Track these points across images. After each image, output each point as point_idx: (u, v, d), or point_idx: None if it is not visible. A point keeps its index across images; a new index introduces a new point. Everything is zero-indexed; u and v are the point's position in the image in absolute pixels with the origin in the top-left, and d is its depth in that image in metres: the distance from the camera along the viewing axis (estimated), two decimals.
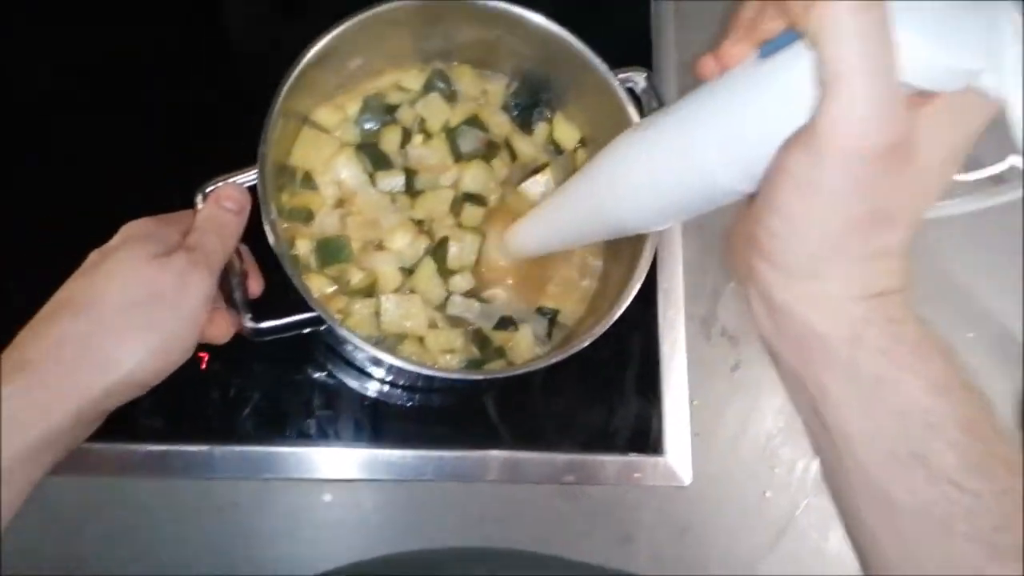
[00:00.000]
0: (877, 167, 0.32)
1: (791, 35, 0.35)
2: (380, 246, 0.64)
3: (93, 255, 0.48)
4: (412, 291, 0.64)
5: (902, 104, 0.31)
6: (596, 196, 0.50)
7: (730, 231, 0.40)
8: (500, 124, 0.69)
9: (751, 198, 0.39)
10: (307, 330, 0.56)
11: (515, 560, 0.50)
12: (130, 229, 0.49)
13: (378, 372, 0.69)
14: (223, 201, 0.52)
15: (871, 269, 0.35)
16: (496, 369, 0.64)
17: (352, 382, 0.70)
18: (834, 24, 0.30)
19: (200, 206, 0.55)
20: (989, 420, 0.35)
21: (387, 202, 0.65)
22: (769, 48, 0.36)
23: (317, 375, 0.70)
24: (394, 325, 0.62)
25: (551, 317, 0.67)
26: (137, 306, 0.44)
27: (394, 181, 0.65)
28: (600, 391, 0.76)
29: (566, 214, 0.56)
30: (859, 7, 0.30)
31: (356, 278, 0.63)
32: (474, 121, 0.67)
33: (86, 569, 0.63)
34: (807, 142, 0.32)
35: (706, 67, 0.40)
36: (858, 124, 0.31)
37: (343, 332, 0.54)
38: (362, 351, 0.57)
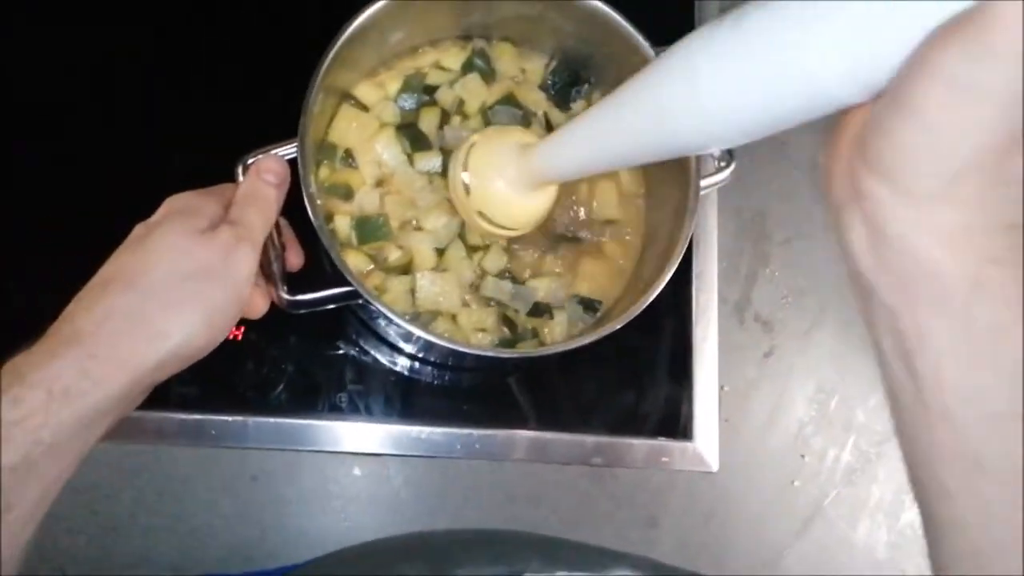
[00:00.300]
0: None
1: None
2: (417, 226, 0.64)
3: (138, 228, 0.48)
4: (445, 270, 0.64)
5: None
6: (657, 104, 0.43)
7: (829, 153, 0.35)
8: (537, 101, 0.69)
9: (856, 107, 0.34)
10: (343, 304, 0.57)
11: (524, 544, 0.50)
12: (173, 203, 0.49)
13: (410, 348, 0.69)
14: (263, 174, 0.52)
15: (1007, 196, 0.30)
16: (527, 349, 0.64)
17: (384, 358, 0.71)
18: None
19: (241, 179, 0.55)
20: None
21: (424, 182, 0.65)
22: None
23: (350, 350, 0.71)
24: (429, 302, 0.63)
25: (588, 303, 0.67)
26: (186, 279, 0.45)
27: (432, 162, 0.65)
28: (630, 374, 0.76)
29: (613, 129, 0.48)
30: None
31: (393, 255, 0.63)
32: (509, 99, 0.67)
33: (121, 532, 0.65)
34: (970, 35, 0.28)
35: None
36: None
37: (379, 306, 0.55)
38: (396, 326, 0.57)
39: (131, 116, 0.74)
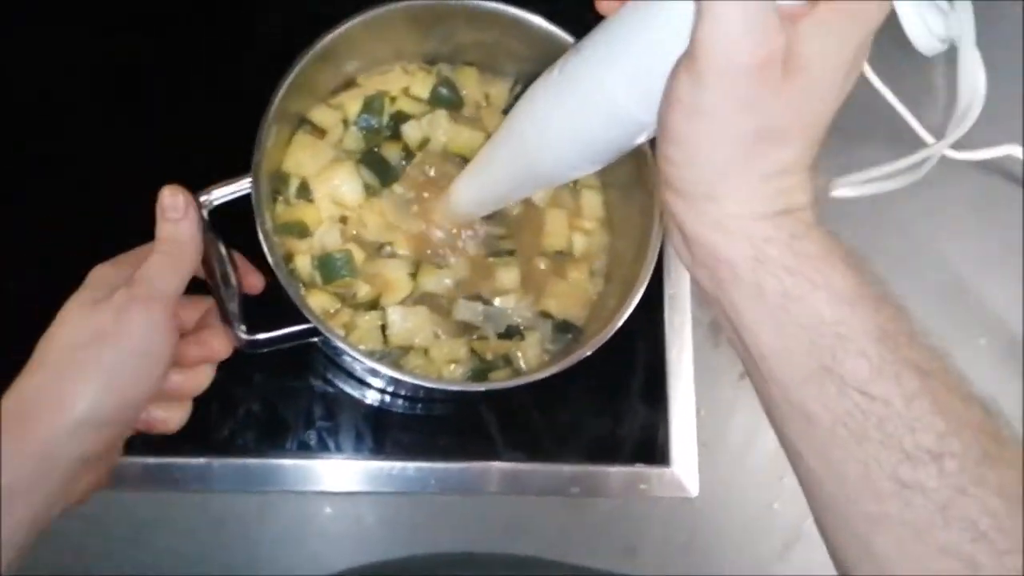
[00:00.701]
0: (757, 83, 0.32)
1: None
2: (392, 253, 0.64)
3: None
4: (418, 299, 0.63)
5: (774, 14, 0.32)
6: (519, 146, 0.50)
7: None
8: (499, 126, 0.69)
9: None
10: (305, 341, 0.56)
11: (500, 564, 0.50)
12: (91, 276, 0.50)
13: (379, 384, 0.68)
14: (165, 213, 0.51)
15: (769, 188, 0.36)
16: (500, 379, 0.63)
17: (353, 392, 0.70)
18: None
19: None
20: (903, 327, 0.36)
21: (403, 205, 0.64)
22: None
23: (318, 385, 0.69)
24: (400, 338, 0.62)
25: (559, 323, 0.66)
26: (77, 349, 0.45)
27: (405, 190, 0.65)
28: (605, 400, 0.75)
29: (496, 169, 0.55)
30: None
31: (362, 291, 0.62)
32: (464, 157, 0.67)
33: None
34: (687, 65, 0.34)
35: (603, 3, 0.41)
36: (730, 41, 0.32)
37: (341, 345, 0.54)
38: (361, 363, 0.56)
39: (84, 154, 0.73)
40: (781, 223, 0.36)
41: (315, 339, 0.55)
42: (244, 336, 0.54)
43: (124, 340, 0.46)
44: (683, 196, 0.37)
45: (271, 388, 0.68)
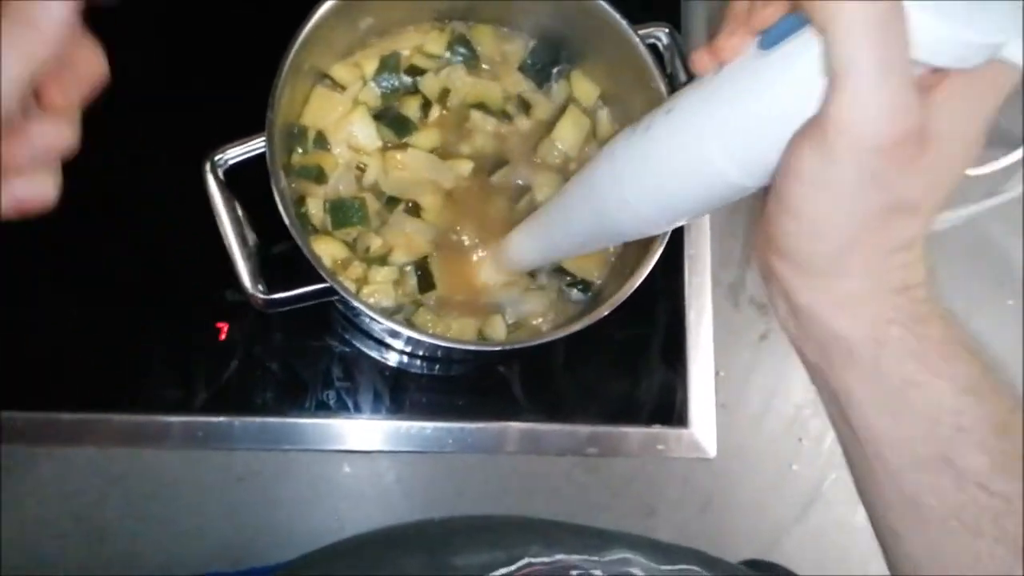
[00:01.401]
0: (890, 160, 0.31)
1: (791, 22, 0.33)
2: (412, 210, 0.64)
3: None
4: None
5: (914, 91, 0.30)
6: (596, 202, 0.48)
7: (755, 233, 0.39)
8: (515, 83, 0.68)
9: (767, 191, 0.38)
10: (320, 300, 0.56)
11: (522, 528, 0.50)
12: None
13: (395, 343, 0.69)
14: None
15: (891, 263, 0.34)
16: (514, 340, 0.63)
17: (371, 352, 0.70)
18: (843, 11, 0.29)
19: (209, 177, 0.55)
20: (1020, 420, 0.34)
21: (436, 162, 0.64)
22: (769, 38, 0.35)
23: (336, 346, 0.70)
24: (413, 293, 0.62)
25: (577, 282, 0.66)
26: None
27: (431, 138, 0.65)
28: (624, 361, 0.75)
29: (565, 223, 0.54)
30: None
31: (375, 244, 0.62)
32: (483, 107, 0.67)
33: (108, 537, 0.65)
34: (816, 138, 0.32)
35: (701, 62, 0.39)
36: (869, 118, 0.30)
37: (356, 303, 0.54)
38: (376, 322, 0.57)
39: (90, 113, 0.73)
40: (902, 303, 0.34)
41: (331, 298, 0.56)
42: (262, 296, 0.54)
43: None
44: (798, 268, 0.35)
45: (291, 348, 0.69)
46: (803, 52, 0.32)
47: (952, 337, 0.35)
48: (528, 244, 0.59)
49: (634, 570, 0.45)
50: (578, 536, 0.50)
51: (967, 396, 0.34)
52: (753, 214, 0.81)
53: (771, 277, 0.37)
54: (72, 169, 0.68)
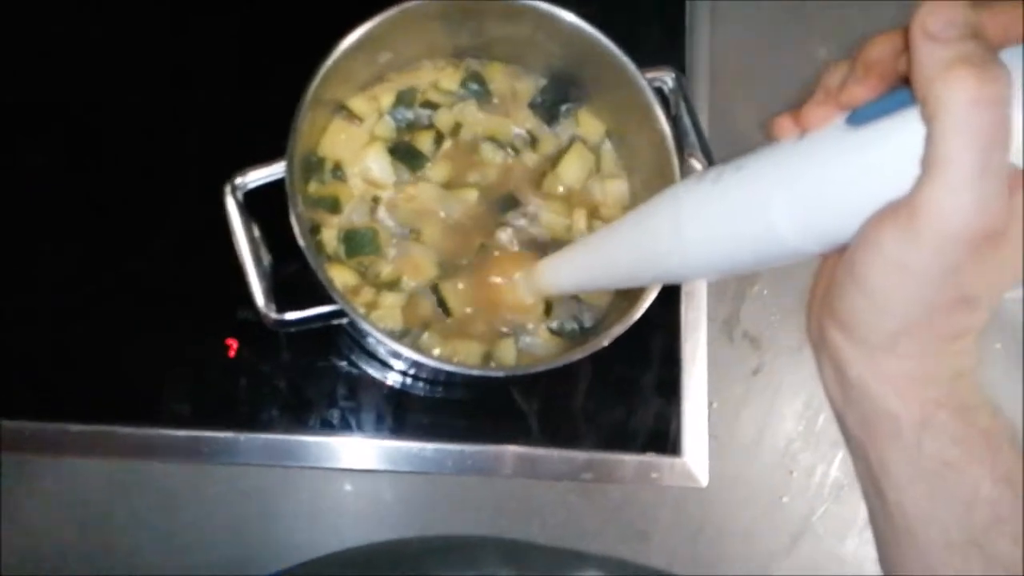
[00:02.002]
0: (972, 253, 0.31)
1: (888, 104, 0.33)
2: (418, 238, 0.66)
3: None
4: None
5: (1005, 189, 0.31)
6: (647, 243, 0.49)
7: (810, 295, 0.40)
8: (524, 119, 0.71)
9: (825, 257, 0.39)
10: (330, 323, 0.58)
11: (494, 549, 0.51)
12: None
13: (399, 365, 0.71)
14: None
15: (948, 350, 0.35)
16: (519, 366, 0.65)
17: (375, 373, 0.73)
18: (956, 106, 0.29)
19: (229, 200, 0.57)
20: None
21: (445, 194, 0.67)
22: (861, 116, 0.35)
23: (342, 365, 0.72)
24: (422, 316, 0.64)
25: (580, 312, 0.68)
26: None
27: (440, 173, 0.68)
28: (620, 390, 0.77)
29: (608, 256, 0.55)
30: (989, 95, 0.29)
31: (385, 270, 0.65)
32: (494, 137, 0.70)
33: (112, 549, 0.66)
34: (901, 221, 0.32)
35: (783, 128, 0.39)
36: (961, 211, 0.30)
37: (365, 325, 0.56)
38: (383, 344, 0.59)
39: (119, 133, 0.76)
40: (953, 389, 0.35)
41: (342, 320, 0.58)
42: (273, 315, 0.56)
43: None
44: (855, 341, 0.36)
45: (297, 367, 0.71)
46: (895, 135, 0.33)
47: (996, 428, 0.35)
48: (565, 271, 0.61)
49: None
50: (549, 557, 0.51)
51: (1005, 486, 0.34)
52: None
53: (823, 344, 0.38)
54: (96, 183, 0.71)
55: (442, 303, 0.65)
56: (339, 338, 0.73)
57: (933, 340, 0.35)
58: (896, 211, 0.32)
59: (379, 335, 0.57)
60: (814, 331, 0.39)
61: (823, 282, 0.39)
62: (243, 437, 0.69)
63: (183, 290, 0.71)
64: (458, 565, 0.47)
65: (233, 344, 0.70)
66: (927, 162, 0.31)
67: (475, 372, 0.63)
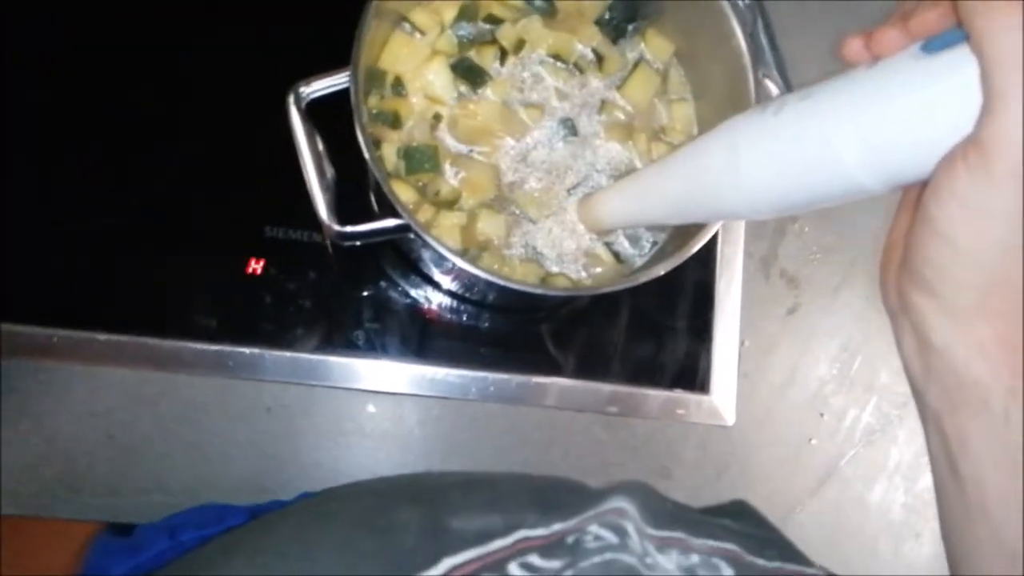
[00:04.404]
0: None
1: (963, 32, 0.32)
2: (484, 154, 0.66)
3: None
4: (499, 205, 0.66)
5: None
6: (705, 175, 0.48)
7: (886, 254, 0.39)
8: (590, 36, 0.70)
9: (897, 218, 0.38)
10: (391, 237, 0.58)
11: (520, 490, 0.51)
12: None
13: (450, 285, 0.72)
14: None
15: None
16: (559, 287, 0.65)
17: (401, 298, 0.73)
18: (1000, 34, 0.29)
19: (292, 110, 0.57)
20: None
21: (507, 112, 0.66)
22: (936, 44, 0.33)
23: (368, 288, 0.73)
24: (483, 236, 0.65)
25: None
26: None
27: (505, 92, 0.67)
28: (650, 324, 0.78)
29: (663, 189, 0.54)
30: None
31: (444, 188, 0.65)
32: (558, 55, 0.69)
33: (139, 457, 0.68)
34: (972, 160, 0.31)
35: (853, 50, 0.37)
36: None
37: (431, 240, 0.55)
38: (446, 262, 0.59)
39: (180, 45, 0.76)
40: None
41: (404, 235, 0.57)
42: (336, 227, 0.56)
43: None
44: (943, 304, 0.34)
45: (324, 287, 0.72)
46: (967, 65, 0.32)
47: None
48: (618, 204, 0.60)
49: (627, 525, 0.45)
50: (578, 494, 0.51)
51: None
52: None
53: (905, 312, 0.36)
54: (151, 87, 0.71)
55: (520, 212, 0.65)
56: (366, 261, 0.73)
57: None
58: (965, 151, 0.31)
59: (444, 251, 0.56)
60: (892, 298, 0.37)
61: (896, 244, 0.37)
62: (268, 354, 0.70)
63: (214, 207, 0.72)
64: (481, 506, 0.47)
65: (260, 262, 0.71)
66: (986, 96, 0.30)
67: (536, 291, 0.63)
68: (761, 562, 0.46)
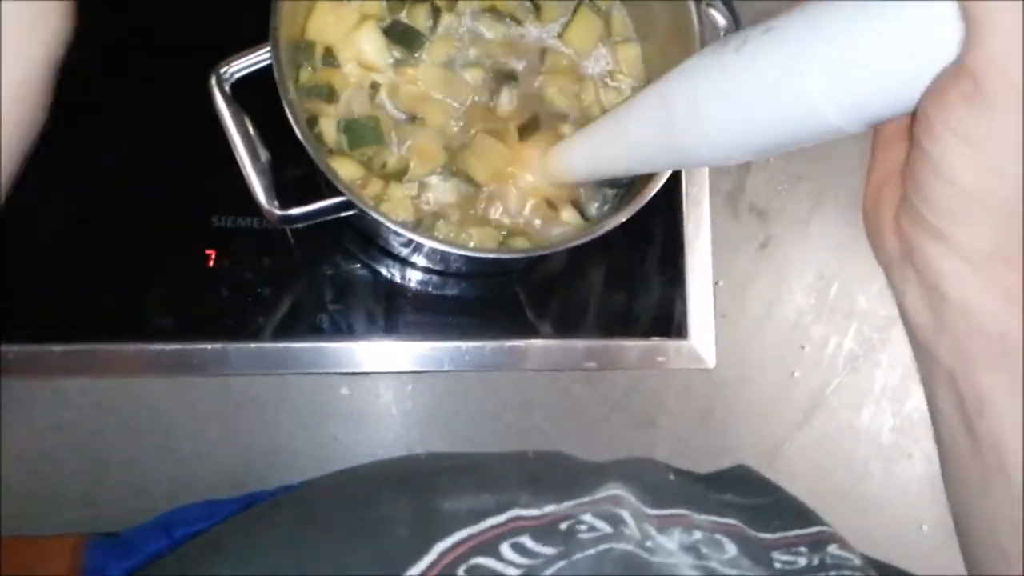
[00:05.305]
0: None
1: None
2: (422, 124, 0.64)
3: None
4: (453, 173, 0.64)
5: None
6: (669, 122, 0.45)
7: (872, 198, 0.36)
8: None
9: (875, 157, 0.36)
10: (338, 216, 0.56)
11: (511, 470, 0.50)
12: None
13: (411, 256, 0.70)
14: None
15: None
16: (519, 247, 0.64)
17: (364, 273, 0.72)
18: None
19: (215, 91, 0.54)
20: None
21: (448, 75, 0.64)
22: None
23: (327, 268, 0.72)
24: (436, 205, 0.63)
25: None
26: None
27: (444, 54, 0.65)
28: (620, 274, 0.77)
29: (626, 136, 0.51)
30: None
31: (391, 160, 0.63)
32: (493, 11, 0.67)
33: (109, 467, 0.67)
34: (964, 89, 0.29)
35: None
36: (1020, 59, 0.27)
37: (376, 215, 0.54)
38: (398, 236, 0.57)
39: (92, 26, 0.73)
40: None
41: (351, 212, 0.56)
42: (277, 211, 0.55)
43: None
44: (958, 249, 0.32)
45: (281, 272, 0.71)
46: None
47: None
48: (580, 154, 0.58)
49: (623, 513, 0.45)
50: (571, 475, 0.50)
51: None
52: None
53: (907, 260, 0.34)
54: (67, 91, 0.68)
55: (467, 179, 0.63)
56: (324, 241, 0.72)
57: None
58: (957, 82, 0.29)
59: (394, 225, 0.55)
60: (891, 247, 0.35)
61: (880, 186, 0.35)
62: (231, 347, 0.69)
63: (155, 202, 0.70)
64: (471, 487, 0.46)
65: (212, 253, 0.69)
66: (968, 19, 0.28)
67: (493, 255, 0.61)
68: (765, 535, 0.45)
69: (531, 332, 0.74)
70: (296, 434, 0.70)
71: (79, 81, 0.70)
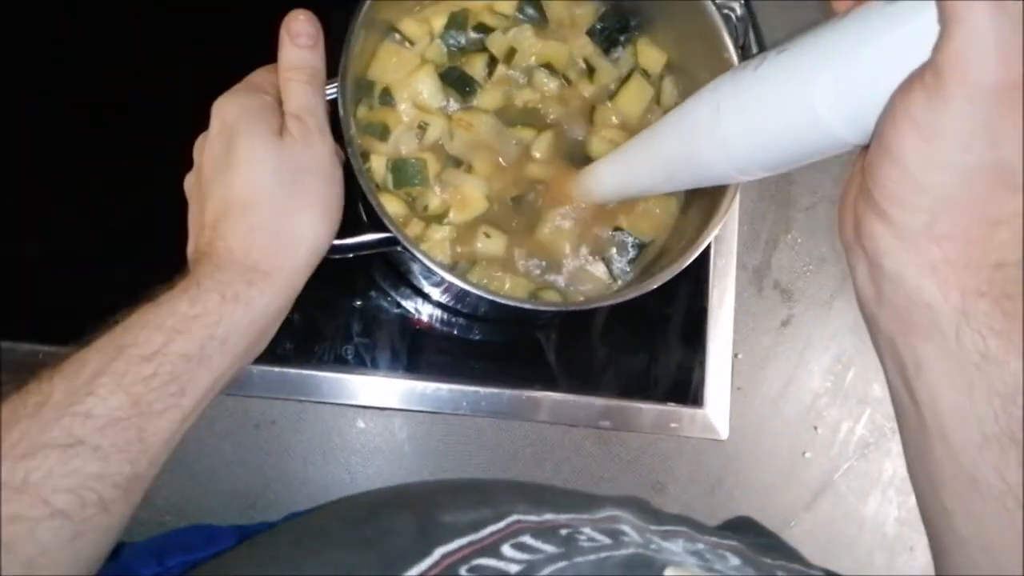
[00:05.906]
0: (1001, 107, 0.31)
1: None
2: (469, 170, 0.66)
3: (211, 146, 0.50)
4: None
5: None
6: (690, 136, 0.49)
7: (843, 196, 0.40)
8: (582, 46, 0.70)
9: (864, 152, 0.39)
10: (380, 251, 0.58)
11: (509, 489, 0.51)
12: (226, 110, 0.50)
13: (441, 297, 0.72)
14: (296, 39, 0.51)
15: (991, 235, 0.34)
16: (549, 300, 0.65)
17: (393, 310, 0.73)
18: None
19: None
20: None
21: (501, 128, 0.66)
22: None
23: (357, 301, 0.73)
24: (479, 252, 0.65)
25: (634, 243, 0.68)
26: (290, 184, 0.48)
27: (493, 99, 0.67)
28: (643, 337, 0.78)
29: (651, 155, 0.55)
30: None
31: (434, 203, 0.65)
32: (551, 66, 0.69)
33: None
34: (927, 81, 0.32)
35: (840, 3, 0.39)
36: (982, 57, 0.30)
37: (418, 255, 0.55)
38: (433, 275, 0.58)
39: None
40: (994, 277, 0.34)
41: (392, 248, 0.57)
42: None
43: (319, 166, 0.49)
44: (895, 227, 0.35)
45: (312, 301, 0.71)
46: (929, 6, 0.33)
47: None
48: (608, 173, 0.61)
49: (624, 527, 0.46)
50: (566, 496, 0.51)
51: None
52: (780, 200, 0.83)
53: (858, 238, 0.37)
54: (135, 109, 0.70)
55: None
56: (355, 274, 0.73)
57: (974, 222, 0.34)
58: (921, 75, 0.33)
59: (432, 265, 0.56)
60: (848, 229, 0.38)
61: (853, 181, 0.38)
62: (256, 369, 0.70)
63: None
64: (471, 504, 0.47)
65: None
66: (942, 20, 0.31)
67: (527, 305, 0.62)
68: (766, 560, 0.46)
69: (550, 384, 0.75)
70: (309, 461, 0.71)
71: (143, 97, 0.73)
